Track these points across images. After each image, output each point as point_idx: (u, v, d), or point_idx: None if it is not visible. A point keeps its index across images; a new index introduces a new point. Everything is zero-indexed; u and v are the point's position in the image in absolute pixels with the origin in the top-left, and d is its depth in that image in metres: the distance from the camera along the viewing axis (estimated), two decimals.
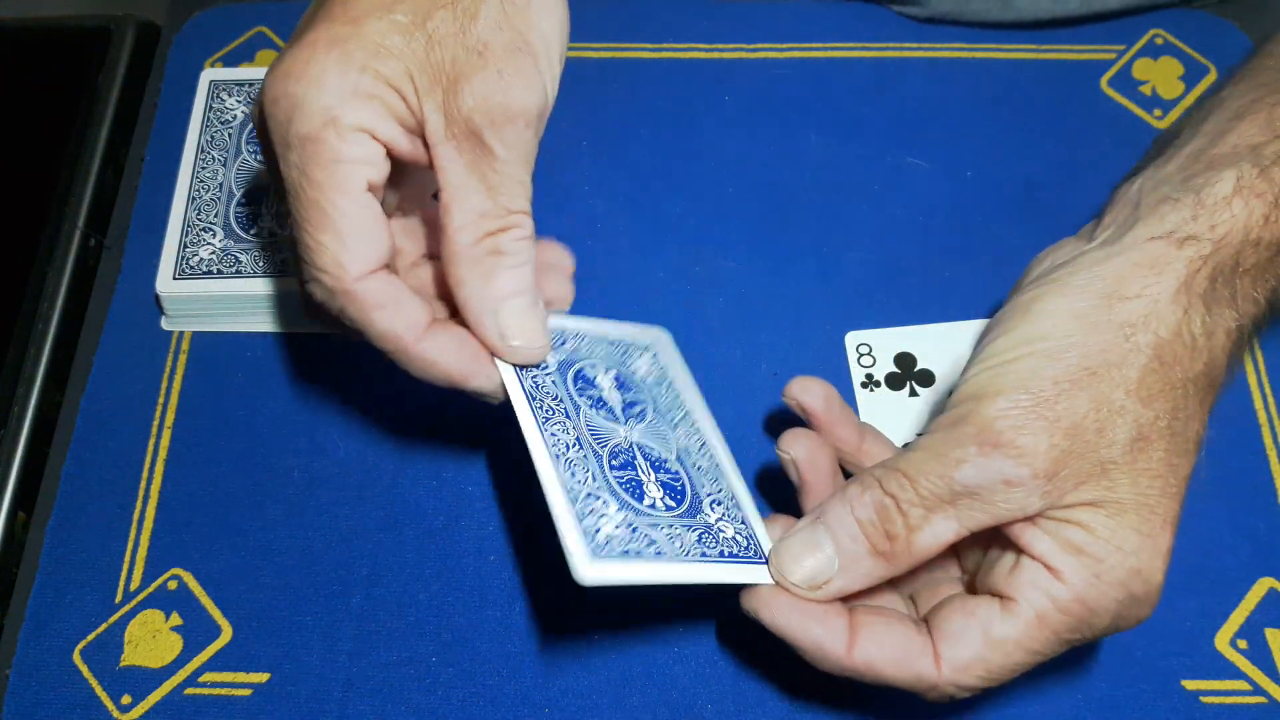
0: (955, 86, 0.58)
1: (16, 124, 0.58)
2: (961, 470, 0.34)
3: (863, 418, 0.49)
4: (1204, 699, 0.43)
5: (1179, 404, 0.35)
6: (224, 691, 0.44)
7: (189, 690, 0.44)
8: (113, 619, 0.45)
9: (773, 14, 0.60)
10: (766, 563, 0.38)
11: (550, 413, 0.38)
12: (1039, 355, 0.35)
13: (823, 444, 0.40)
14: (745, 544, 0.38)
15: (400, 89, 0.36)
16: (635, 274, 0.53)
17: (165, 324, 0.52)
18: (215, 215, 0.52)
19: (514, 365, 0.38)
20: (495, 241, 0.37)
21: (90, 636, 0.45)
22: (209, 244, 0.51)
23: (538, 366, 0.39)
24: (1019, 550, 0.36)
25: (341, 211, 0.35)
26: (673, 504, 0.38)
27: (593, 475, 0.37)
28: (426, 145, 0.37)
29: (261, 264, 0.50)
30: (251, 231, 0.51)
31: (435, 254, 0.40)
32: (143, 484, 0.48)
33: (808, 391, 0.40)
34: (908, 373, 0.50)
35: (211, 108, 0.55)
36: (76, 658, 0.44)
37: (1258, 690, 0.44)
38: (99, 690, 0.44)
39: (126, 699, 0.44)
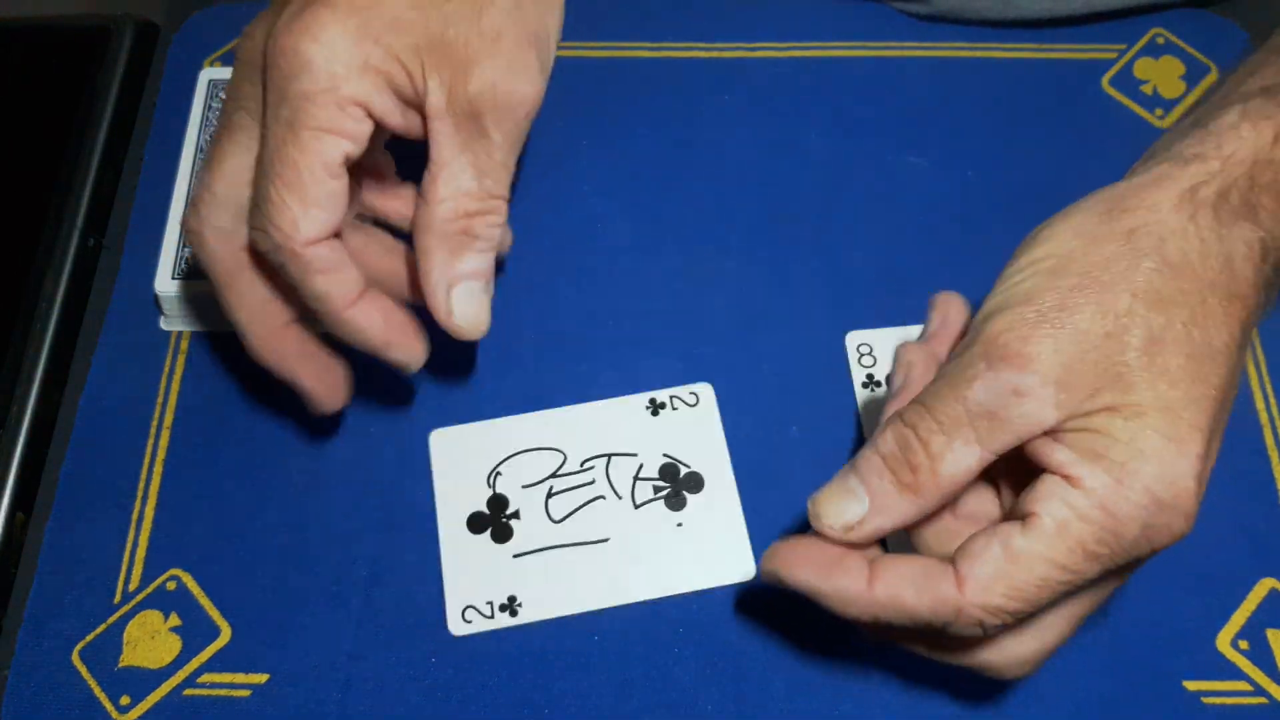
0: (956, 86, 0.58)
1: (16, 124, 0.58)
2: (972, 388, 0.34)
3: (863, 417, 0.49)
4: (1205, 700, 0.43)
5: (1195, 311, 0.34)
6: (223, 692, 0.44)
7: (188, 691, 0.44)
8: (112, 619, 0.45)
9: (772, 14, 0.60)
10: None
11: None
12: (1043, 272, 0.35)
13: (934, 362, 0.41)
14: None
15: (407, 64, 0.37)
16: (635, 274, 0.53)
17: (164, 324, 0.52)
18: None
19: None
20: (470, 223, 0.39)
21: (89, 637, 0.45)
22: None
23: None
24: (1043, 469, 0.35)
25: (315, 178, 0.37)
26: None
27: None
28: (424, 117, 0.39)
29: None
30: None
31: (369, 215, 0.43)
32: (142, 484, 0.48)
33: (950, 305, 0.44)
34: None
35: (211, 107, 0.55)
36: (75, 658, 0.44)
37: (1259, 691, 0.43)
38: (98, 691, 0.44)
39: (125, 699, 0.44)
